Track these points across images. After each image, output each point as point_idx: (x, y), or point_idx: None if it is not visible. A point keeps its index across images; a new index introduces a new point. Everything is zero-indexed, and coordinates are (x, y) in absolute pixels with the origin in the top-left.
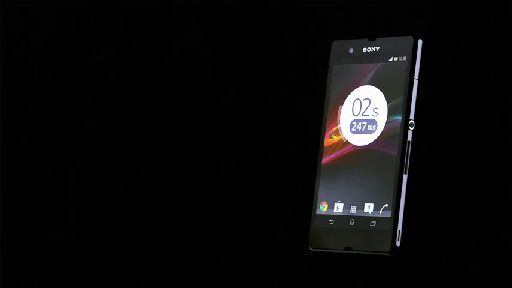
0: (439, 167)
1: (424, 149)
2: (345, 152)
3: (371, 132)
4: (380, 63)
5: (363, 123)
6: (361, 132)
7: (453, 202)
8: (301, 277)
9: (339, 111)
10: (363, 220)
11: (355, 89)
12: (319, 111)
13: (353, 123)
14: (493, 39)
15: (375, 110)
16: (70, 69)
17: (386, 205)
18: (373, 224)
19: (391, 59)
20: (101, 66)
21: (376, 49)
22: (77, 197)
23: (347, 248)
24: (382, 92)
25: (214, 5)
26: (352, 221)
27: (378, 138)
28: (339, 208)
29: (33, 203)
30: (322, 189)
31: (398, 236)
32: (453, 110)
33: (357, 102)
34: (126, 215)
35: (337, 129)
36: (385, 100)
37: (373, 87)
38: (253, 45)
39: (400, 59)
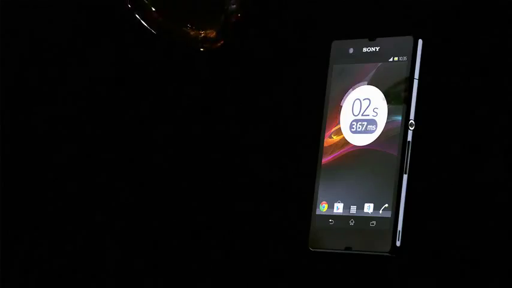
0: (439, 167)
1: (424, 149)
2: (344, 152)
3: (371, 132)
4: (380, 63)
5: (363, 123)
6: (361, 132)
7: (453, 202)
8: (301, 277)
9: (339, 111)
10: (363, 220)
11: (355, 89)
12: (319, 111)
13: (353, 123)
14: (493, 38)
15: (375, 110)
16: (70, 69)
17: (387, 205)
18: (373, 224)
19: (391, 59)
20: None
21: (376, 49)
22: (76, 197)
23: (347, 248)
24: (382, 92)
25: None
26: (352, 221)
27: (378, 138)
28: (339, 208)
29: (32, 203)
30: (322, 189)
31: (398, 236)
32: (453, 110)
33: (357, 102)
34: (125, 215)
35: (338, 129)
36: (385, 100)
37: (373, 87)
38: (253, 44)
39: (400, 59)
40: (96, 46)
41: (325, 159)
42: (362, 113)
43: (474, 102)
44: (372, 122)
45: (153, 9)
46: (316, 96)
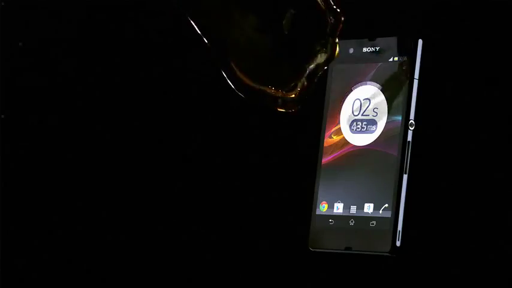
0: (439, 167)
1: (424, 149)
2: (344, 152)
3: (371, 132)
4: (380, 63)
5: (363, 123)
6: (361, 132)
7: (453, 202)
8: (301, 277)
9: (339, 111)
10: (363, 220)
11: (355, 89)
12: (319, 111)
13: (353, 123)
14: (493, 38)
15: (375, 110)
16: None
17: (387, 205)
18: (373, 224)
19: (391, 59)
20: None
21: (376, 49)
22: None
23: (347, 248)
24: (382, 92)
25: None
26: (352, 221)
27: (378, 138)
28: (339, 208)
29: (33, 204)
30: (322, 189)
31: (398, 236)
32: (453, 110)
33: (357, 102)
34: (126, 215)
35: (338, 129)
36: (385, 100)
37: (373, 87)
38: None
39: (400, 59)
40: (96, 47)
41: (325, 159)
42: (362, 113)
43: (474, 102)
44: (372, 122)
45: (238, 68)
46: (316, 96)
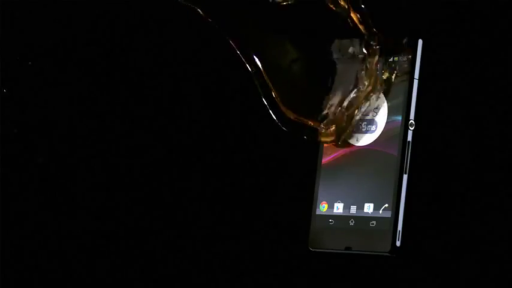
0: (439, 167)
1: (424, 149)
2: (345, 152)
3: (371, 132)
4: (380, 63)
5: (363, 123)
6: (361, 132)
7: (453, 202)
8: (301, 277)
9: None
10: (363, 220)
11: None
12: None
13: None
14: (493, 38)
15: (375, 110)
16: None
17: (387, 205)
18: (373, 224)
19: (391, 59)
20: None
21: None
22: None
23: (347, 248)
24: (382, 92)
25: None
26: (352, 221)
27: (378, 138)
28: (339, 208)
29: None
30: (322, 189)
31: (399, 236)
32: (453, 110)
33: None
34: (126, 215)
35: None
36: (385, 100)
37: None
38: None
39: (400, 59)
40: (92, 46)
41: (325, 159)
42: (362, 113)
43: (474, 102)
44: (372, 122)
45: (279, 100)
46: None
